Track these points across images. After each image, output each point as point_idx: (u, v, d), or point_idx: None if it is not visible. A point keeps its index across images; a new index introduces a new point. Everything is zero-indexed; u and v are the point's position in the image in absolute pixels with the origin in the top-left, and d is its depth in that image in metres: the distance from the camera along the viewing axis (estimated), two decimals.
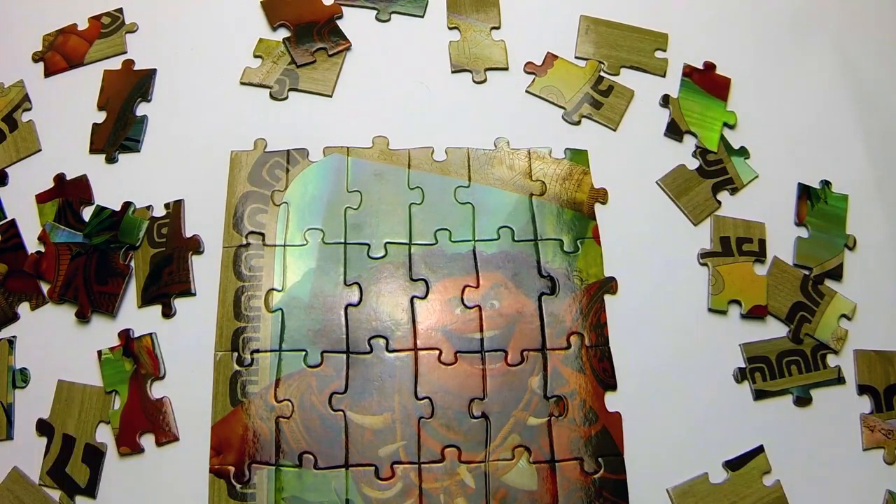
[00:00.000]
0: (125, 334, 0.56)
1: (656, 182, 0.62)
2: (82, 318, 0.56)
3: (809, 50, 0.69)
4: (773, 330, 0.57)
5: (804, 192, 0.62)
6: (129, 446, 0.53)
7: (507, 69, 0.66)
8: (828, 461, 0.53)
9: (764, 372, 0.55)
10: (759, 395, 0.55)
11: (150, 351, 0.56)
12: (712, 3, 0.71)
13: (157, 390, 0.55)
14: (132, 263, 0.57)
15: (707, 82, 0.66)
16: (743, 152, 0.63)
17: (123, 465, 0.53)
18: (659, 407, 0.55)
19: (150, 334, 0.56)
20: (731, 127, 0.65)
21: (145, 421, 0.54)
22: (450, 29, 0.68)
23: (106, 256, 0.58)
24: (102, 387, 0.55)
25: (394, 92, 0.65)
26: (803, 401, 0.55)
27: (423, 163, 0.62)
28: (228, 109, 0.64)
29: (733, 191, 0.62)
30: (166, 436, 0.53)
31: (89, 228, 0.58)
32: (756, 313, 0.57)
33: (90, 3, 0.71)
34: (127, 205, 0.59)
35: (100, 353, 0.55)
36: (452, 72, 0.66)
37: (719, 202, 0.61)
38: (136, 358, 0.55)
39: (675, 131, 0.64)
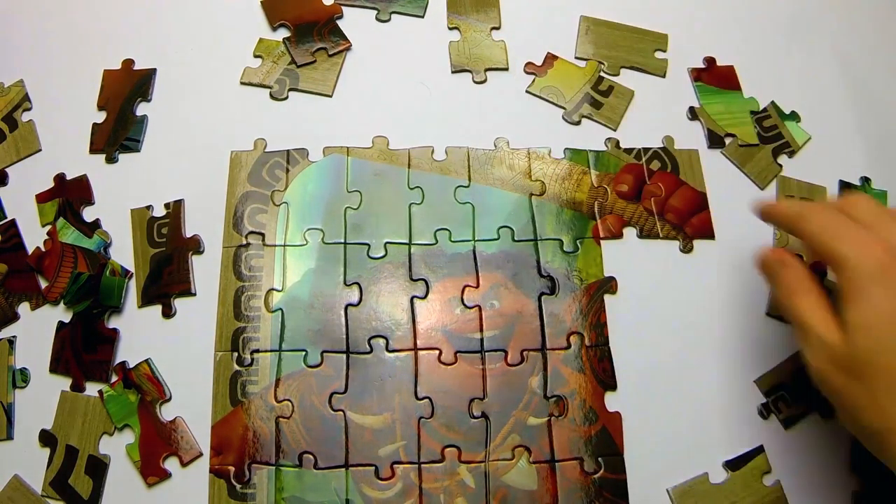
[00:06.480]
0: (121, 367, 0.56)
1: None
2: (77, 389, 0.55)
3: (809, 49, 0.69)
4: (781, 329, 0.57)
5: (845, 189, 0.62)
6: (155, 475, 0.53)
7: (507, 69, 0.66)
8: (829, 461, 0.53)
9: (787, 399, 0.55)
10: (789, 422, 0.54)
11: (150, 376, 0.55)
12: (712, 4, 0.71)
13: (167, 412, 0.55)
14: (119, 328, 0.56)
15: (716, 78, 0.66)
16: (794, 116, 0.65)
17: (126, 475, 0.53)
18: (659, 407, 0.55)
19: (146, 360, 0.56)
20: (756, 112, 0.65)
21: (166, 446, 0.53)
22: (450, 29, 0.68)
23: (90, 323, 0.57)
24: (113, 424, 0.54)
25: (394, 92, 0.65)
26: (829, 411, 0.54)
27: (423, 163, 0.62)
28: (228, 109, 0.64)
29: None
30: (190, 454, 0.53)
31: (68, 297, 0.57)
32: None
33: (88, 4, 0.71)
34: (103, 266, 0.58)
35: (101, 392, 0.55)
36: (453, 72, 0.66)
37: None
38: (139, 387, 0.55)
39: (716, 141, 0.64)
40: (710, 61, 0.67)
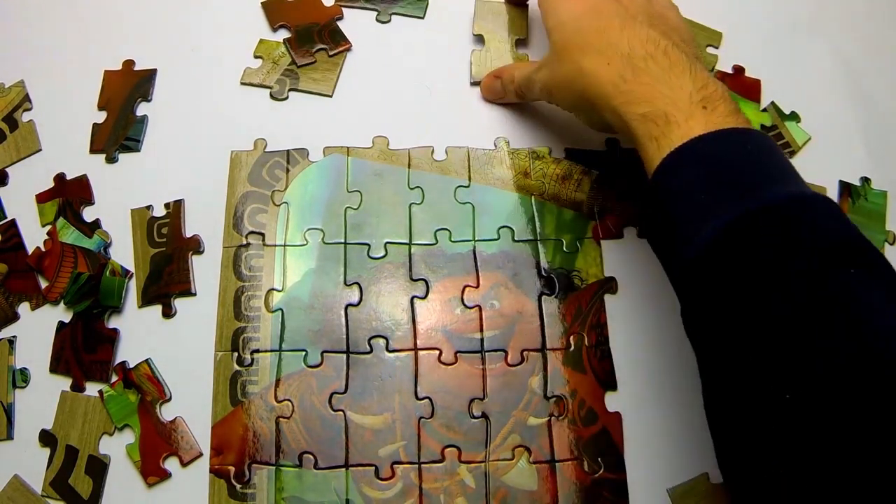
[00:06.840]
0: (121, 367, 0.56)
1: None
2: (77, 389, 0.55)
3: (809, 49, 0.69)
4: None
5: (845, 189, 0.62)
6: (155, 475, 0.53)
7: None
8: None
9: None
10: None
11: (151, 376, 0.55)
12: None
13: (167, 412, 0.55)
14: (119, 327, 0.57)
15: (739, 86, 0.66)
16: (794, 116, 0.65)
17: (126, 475, 0.53)
18: (659, 407, 0.55)
19: (147, 360, 0.56)
20: (767, 129, 0.65)
21: (166, 446, 0.53)
22: (475, 36, 0.67)
23: (90, 323, 0.57)
24: (113, 424, 0.54)
25: (394, 92, 0.65)
26: None
27: (423, 162, 0.62)
28: (228, 109, 0.64)
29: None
30: (190, 454, 0.53)
31: (69, 297, 0.57)
32: None
33: (88, 5, 0.71)
34: (103, 266, 0.58)
35: (101, 392, 0.55)
36: (472, 83, 0.65)
37: None
38: (139, 387, 0.55)
39: None
40: (738, 70, 0.67)
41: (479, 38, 0.67)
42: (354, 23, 0.68)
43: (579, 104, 0.52)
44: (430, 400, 0.54)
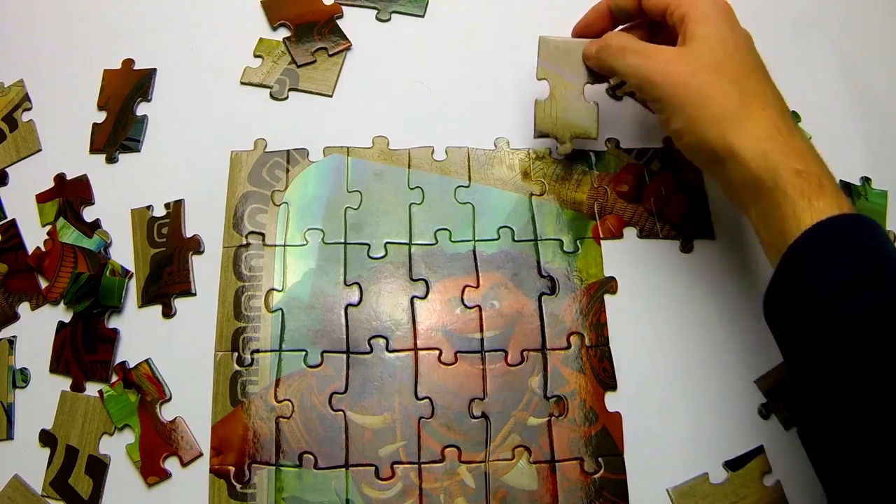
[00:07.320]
0: (121, 367, 0.56)
1: None
2: (77, 389, 0.55)
3: (809, 49, 0.69)
4: None
5: (845, 189, 0.62)
6: (156, 475, 0.53)
7: (595, 139, 0.59)
8: None
9: (787, 399, 0.54)
10: (789, 422, 0.54)
11: (151, 376, 0.55)
12: None
13: (167, 412, 0.55)
14: (119, 328, 0.57)
15: None
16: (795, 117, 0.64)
17: (126, 475, 0.53)
18: (659, 407, 0.55)
19: (147, 360, 0.56)
20: None
21: (166, 446, 0.53)
22: (538, 80, 0.58)
23: (90, 323, 0.57)
24: (113, 424, 0.54)
25: (394, 92, 0.65)
26: None
27: (423, 163, 0.62)
28: (228, 109, 0.64)
29: None
30: (190, 454, 0.53)
31: (69, 297, 0.57)
32: None
33: (88, 4, 0.71)
34: (103, 266, 0.58)
35: (101, 392, 0.55)
36: (535, 137, 0.59)
37: None
38: (139, 387, 0.55)
39: None
40: None
41: (544, 82, 0.58)
42: (354, 21, 0.68)
43: (690, 115, 0.48)
44: (430, 400, 0.54)
